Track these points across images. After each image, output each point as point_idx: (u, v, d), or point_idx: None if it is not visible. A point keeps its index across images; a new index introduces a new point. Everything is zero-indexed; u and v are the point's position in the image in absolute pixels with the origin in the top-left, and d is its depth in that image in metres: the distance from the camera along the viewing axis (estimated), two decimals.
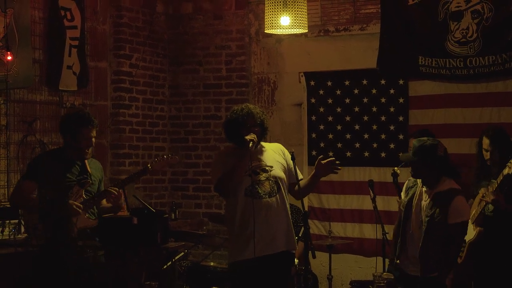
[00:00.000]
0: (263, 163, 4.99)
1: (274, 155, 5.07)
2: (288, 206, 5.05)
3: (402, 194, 5.30)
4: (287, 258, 5.04)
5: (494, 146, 5.66)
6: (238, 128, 4.95)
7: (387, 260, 5.49)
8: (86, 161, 5.36)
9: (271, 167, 4.99)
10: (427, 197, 4.96)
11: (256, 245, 4.84)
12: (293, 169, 5.04)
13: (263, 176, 4.94)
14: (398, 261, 5.12)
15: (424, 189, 5.01)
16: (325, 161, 4.97)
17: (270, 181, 4.94)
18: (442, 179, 4.94)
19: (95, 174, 5.40)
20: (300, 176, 5.16)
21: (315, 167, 5.01)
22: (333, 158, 5.01)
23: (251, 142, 4.82)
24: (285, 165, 5.07)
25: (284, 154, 5.12)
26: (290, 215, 5.07)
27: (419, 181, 5.07)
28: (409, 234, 5.04)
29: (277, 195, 4.95)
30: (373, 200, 6.11)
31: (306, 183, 5.12)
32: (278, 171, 5.00)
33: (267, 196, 4.91)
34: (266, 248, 4.88)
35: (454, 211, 4.83)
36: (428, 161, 4.90)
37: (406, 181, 5.33)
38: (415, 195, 5.07)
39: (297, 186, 5.00)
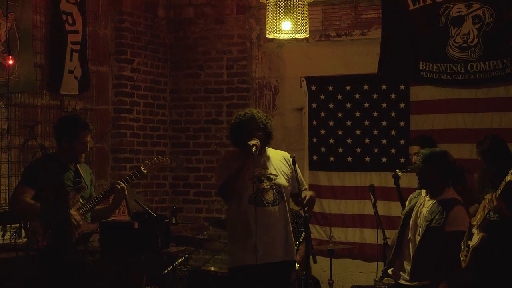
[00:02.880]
0: (268, 171, 5.00)
1: (279, 164, 5.08)
2: (289, 215, 5.06)
3: (406, 204, 5.25)
4: (286, 268, 5.04)
5: (482, 156, 5.70)
6: (241, 133, 4.96)
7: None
8: (78, 165, 5.36)
9: (276, 175, 5.00)
10: (429, 204, 4.94)
11: (258, 252, 4.85)
12: (297, 179, 5.02)
13: (267, 184, 4.96)
14: (390, 271, 5.08)
15: (427, 198, 4.98)
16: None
17: (274, 190, 4.96)
18: (447, 189, 4.92)
19: (87, 179, 5.41)
20: (305, 186, 5.17)
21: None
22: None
23: (254, 147, 4.84)
24: (289, 174, 5.08)
25: (289, 163, 5.11)
26: (290, 225, 5.07)
27: (423, 191, 5.04)
28: (405, 241, 5.01)
29: (280, 204, 4.97)
30: (374, 205, 6.10)
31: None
32: (282, 180, 5.01)
33: (270, 204, 4.93)
34: (267, 255, 4.89)
35: (452, 220, 4.79)
36: (438, 168, 4.87)
37: (411, 194, 5.28)
38: (417, 203, 5.03)
39: (300, 196, 4.98)
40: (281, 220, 4.96)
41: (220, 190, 5.04)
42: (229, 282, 5.20)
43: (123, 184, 5.37)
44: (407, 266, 4.91)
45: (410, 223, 4.98)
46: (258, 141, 4.89)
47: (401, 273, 4.95)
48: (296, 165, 5.08)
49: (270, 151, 5.14)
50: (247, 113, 5.03)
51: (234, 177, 4.88)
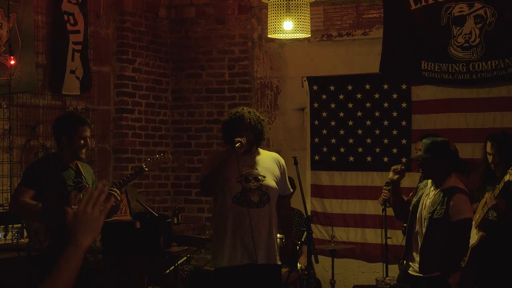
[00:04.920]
0: (256, 171, 4.91)
1: (269, 165, 4.99)
2: (274, 218, 4.96)
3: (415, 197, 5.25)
4: (269, 272, 4.91)
5: (496, 150, 5.66)
6: (230, 131, 4.91)
7: (389, 265, 5.48)
8: (79, 165, 5.33)
9: (264, 176, 4.91)
10: (432, 195, 4.93)
11: (237, 253, 4.79)
12: (284, 182, 5.01)
13: (254, 185, 4.87)
14: (404, 262, 5.07)
15: (432, 188, 4.97)
16: None
17: (260, 191, 4.87)
18: (449, 177, 4.91)
19: (88, 179, 5.39)
20: (290, 190, 5.18)
21: None
22: None
23: (239, 143, 4.75)
24: (279, 177, 5.00)
25: (279, 165, 5.04)
26: (275, 227, 4.97)
27: (429, 182, 5.03)
28: (414, 233, 5.01)
29: (265, 206, 4.87)
30: (384, 204, 6.06)
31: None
32: (270, 182, 4.92)
33: (254, 205, 4.84)
34: (248, 257, 4.81)
35: (454, 209, 4.78)
36: (441, 157, 4.86)
37: (420, 184, 5.28)
38: (423, 194, 5.03)
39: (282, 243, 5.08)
40: (264, 222, 4.86)
41: (201, 182, 4.98)
42: (213, 282, 5.11)
43: (114, 189, 5.23)
44: (416, 258, 4.91)
45: (417, 215, 4.97)
46: (245, 138, 4.80)
47: (410, 263, 4.96)
48: (286, 170, 5.05)
49: (262, 152, 5.06)
50: (237, 112, 4.95)
51: (215, 171, 4.79)
